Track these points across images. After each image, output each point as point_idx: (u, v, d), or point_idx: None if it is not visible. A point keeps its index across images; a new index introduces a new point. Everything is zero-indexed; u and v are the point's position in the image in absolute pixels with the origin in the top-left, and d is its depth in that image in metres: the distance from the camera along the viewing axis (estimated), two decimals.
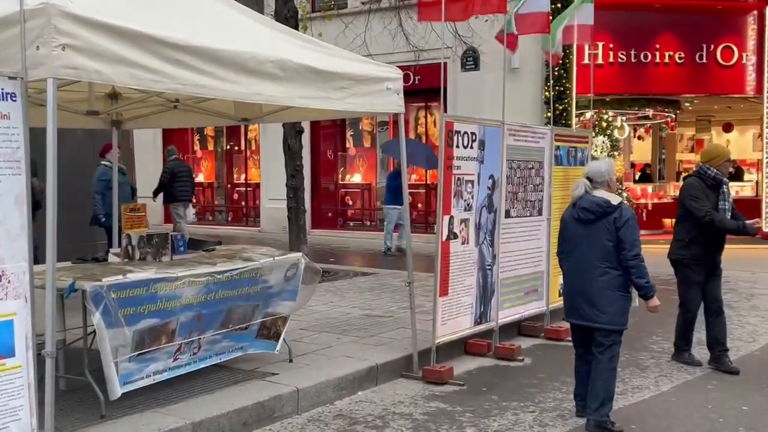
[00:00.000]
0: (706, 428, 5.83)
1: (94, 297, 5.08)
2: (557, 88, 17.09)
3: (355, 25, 16.37)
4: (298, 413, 6.05)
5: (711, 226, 7.20)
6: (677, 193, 7.87)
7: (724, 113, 24.85)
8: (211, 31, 5.34)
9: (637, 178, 22.18)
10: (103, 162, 10.86)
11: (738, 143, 26.79)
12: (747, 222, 7.29)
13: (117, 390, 5.27)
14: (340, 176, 21.17)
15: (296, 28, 11.45)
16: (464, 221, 7.30)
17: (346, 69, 6.28)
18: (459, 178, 7.15)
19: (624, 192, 17.33)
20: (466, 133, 7.19)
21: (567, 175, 8.89)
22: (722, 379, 7.07)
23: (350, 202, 21.12)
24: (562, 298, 6.55)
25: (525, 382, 7.00)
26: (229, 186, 23.49)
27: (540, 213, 8.65)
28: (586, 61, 17.43)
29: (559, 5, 16.63)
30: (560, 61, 11.47)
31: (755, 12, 18.70)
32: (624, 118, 19.29)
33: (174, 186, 14.30)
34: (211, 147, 24.06)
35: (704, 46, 18.47)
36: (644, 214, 19.04)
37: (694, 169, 7.86)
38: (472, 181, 7.34)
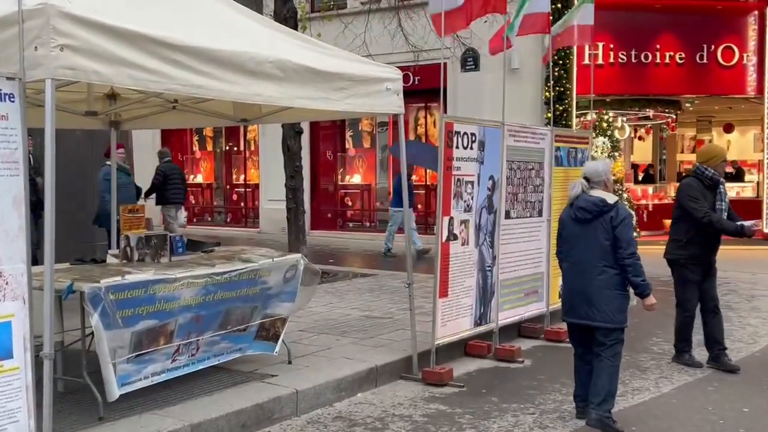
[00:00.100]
0: (706, 430, 5.81)
1: (93, 298, 5.06)
2: (557, 88, 17.08)
3: (354, 26, 16.35)
4: (297, 415, 6.04)
5: (709, 227, 7.24)
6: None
7: (725, 114, 24.84)
8: (210, 32, 5.33)
9: (640, 179, 22.15)
10: (107, 162, 10.85)
11: (739, 144, 26.80)
12: (745, 224, 7.29)
13: (115, 391, 5.25)
14: (339, 177, 21.15)
15: (295, 28, 11.44)
16: (464, 222, 7.28)
17: (346, 69, 6.26)
18: (459, 179, 7.13)
19: (624, 193, 17.31)
20: (465, 133, 7.17)
21: (567, 176, 8.87)
22: (723, 381, 7.05)
23: (350, 203, 21.11)
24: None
25: (525, 383, 6.99)
26: (228, 187, 23.47)
27: (540, 214, 8.64)
28: (586, 61, 17.42)
29: (559, 5, 16.64)
30: (550, 61, 11.47)
31: (756, 12, 18.69)
32: (624, 118, 19.28)
33: (166, 188, 14.24)
34: (210, 148, 24.05)
35: (705, 46, 18.46)
36: (645, 215, 19.04)
37: (691, 169, 7.88)
38: (472, 182, 7.33)
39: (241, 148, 23.13)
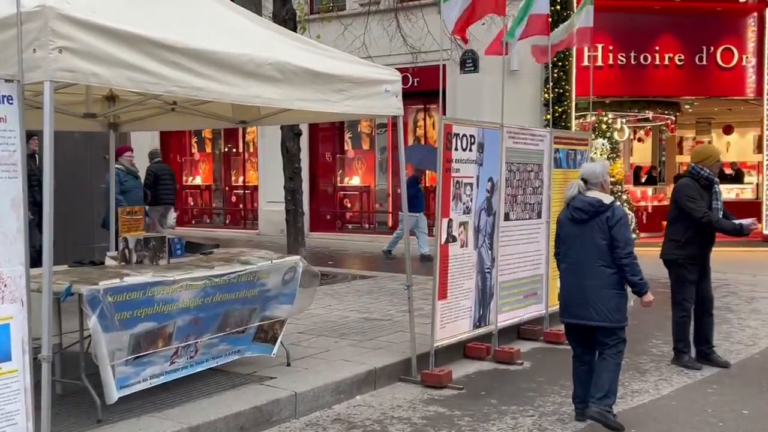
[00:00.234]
0: None
1: (91, 301, 5.05)
2: (556, 90, 17.09)
3: (354, 27, 16.35)
4: (296, 417, 6.03)
5: (708, 227, 7.34)
6: None
7: (724, 115, 24.85)
8: (209, 34, 5.32)
9: (643, 180, 22.15)
10: (116, 165, 10.84)
11: (738, 145, 26.82)
12: (744, 222, 7.35)
13: (114, 394, 5.24)
14: (338, 179, 21.14)
15: (294, 29, 11.42)
16: (463, 224, 7.28)
17: (345, 71, 6.26)
18: (458, 181, 7.13)
19: (624, 194, 17.31)
20: (465, 135, 7.17)
21: (566, 178, 8.85)
22: (722, 383, 7.05)
23: (349, 205, 21.10)
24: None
25: (524, 385, 6.98)
26: (226, 189, 23.46)
27: (539, 216, 8.63)
28: (585, 63, 17.44)
29: (558, 7, 16.64)
30: (549, 62, 11.45)
31: (755, 14, 18.70)
32: (624, 120, 19.29)
33: (157, 189, 14.21)
34: (208, 149, 24.04)
35: (704, 48, 18.47)
36: (644, 217, 19.03)
37: (685, 169, 7.93)
38: (471, 184, 7.32)
39: (240, 149, 23.12)
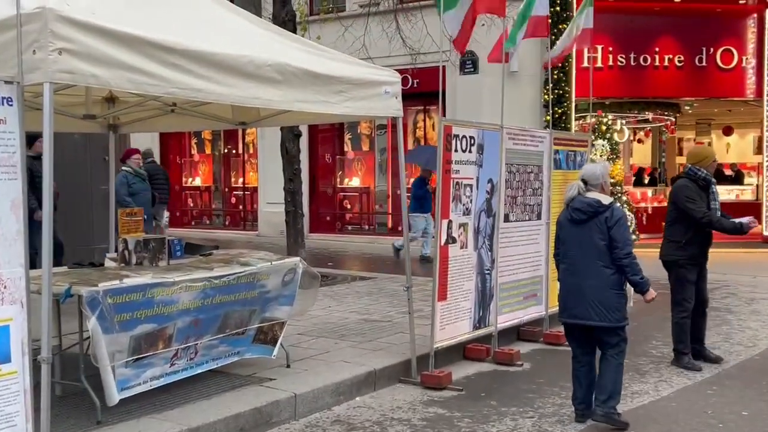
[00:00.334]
0: None
1: (91, 302, 5.05)
2: (556, 91, 17.08)
3: (354, 28, 16.35)
4: (295, 419, 6.03)
5: (709, 227, 7.41)
6: None
7: (724, 116, 24.86)
8: (209, 35, 5.32)
9: (647, 181, 22.15)
10: (124, 168, 10.84)
11: (738, 146, 26.84)
12: (743, 221, 7.42)
13: (115, 396, 5.24)
14: (338, 180, 21.14)
15: (294, 31, 11.42)
16: (463, 225, 7.27)
17: (344, 73, 6.26)
18: (458, 182, 7.12)
19: (623, 195, 17.31)
20: (464, 137, 7.17)
21: (566, 179, 8.85)
22: (722, 384, 7.05)
23: (348, 206, 21.10)
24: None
25: (524, 387, 6.98)
26: (226, 190, 23.46)
27: (539, 217, 8.63)
28: (585, 64, 17.43)
29: (557, 8, 16.64)
30: (560, 64, 11.40)
31: (755, 15, 18.71)
32: (624, 121, 19.29)
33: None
34: (208, 151, 24.04)
35: (704, 49, 18.46)
36: (644, 218, 19.03)
37: (682, 170, 7.99)
38: (470, 185, 7.32)
39: (240, 151, 23.12)
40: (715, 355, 7.81)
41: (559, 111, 17.10)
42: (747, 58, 18.63)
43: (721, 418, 6.11)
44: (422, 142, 19.57)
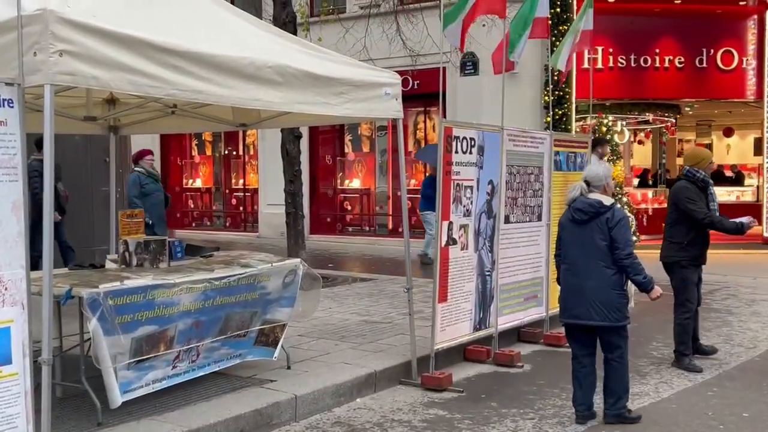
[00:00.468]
0: None
1: (91, 304, 5.06)
2: (556, 92, 17.09)
3: (355, 30, 16.35)
4: (296, 420, 6.03)
5: (711, 228, 7.47)
6: None
7: (725, 118, 24.85)
8: (209, 37, 5.33)
9: (650, 182, 22.15)
10: (137, 168, 10.84)
11: (739, 148, 26.83)
12: (744, 221, 7.46)
13: (117, 398, 5.25)
14: (338, 181, 21.13)
15: (295, 32, 11.43)
16: (463, 227, 7.28)
17: (345, 74, 6.27)
18: (458, 184, 7.12)
19: (624, 197, 17.31)
20: (465, 138, 7.17)
21: (566, 181, 8.85)
22: (723, 386, 7.04)
23: (349, 208, 21.09)
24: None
25: (524, 388, 6.98)
26: (227, 191, 23.44)
27: (539, 218, 8.63)
28: (585, 65, 17.40)
29: (558, 10, 16.64)
30: (566, 78, 11.42)
31: (755, 16, 18.70)
32: (624, 122, 19.28)
33: None
34: (209, 152, 24.03)
35: (704, 50, 18.45)
36: (644, 220, 19.03)
37: (680, 172, 8.04)
38: (471, 187, 7.32)
39: (240, 152, 23.11)
40: (710, 347, 7.99)
41: (560, 112, 17.10)
42: (747, 60, 18.63)
43: (721, 419, 6.11)
44: (423, 144, 19.55)
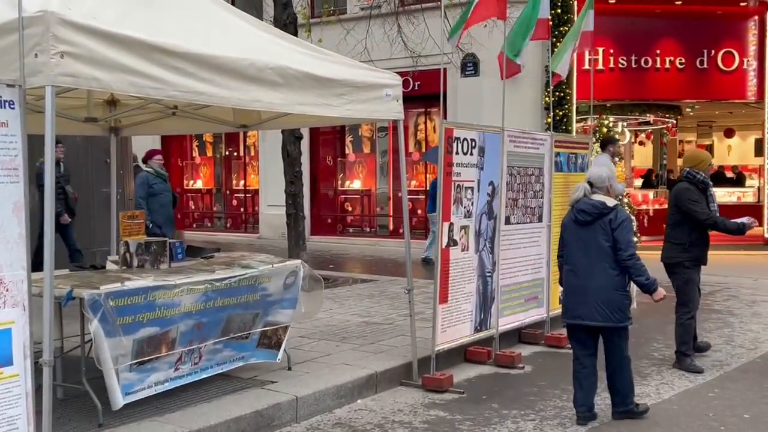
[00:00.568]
0: None
1: (92, 305, 5.06)
2: (557, 93, 17.07)
3: (356, 31, 16.36)
4: (296, 422, 6.03)
5: (713, 228, 7.51)
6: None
7: (725, 119, 24.85)
8: (210, 38, 5.33)
9: (654, 183, 22.15)
10: (145, 168, 10.83)
11: (739, 149, 26.83)
12: (745, 221, 7.49)
13: (119, 400, 5.25)
14: (339, 182, 21.14)
15: (295, 34, 11.43)
16: (464, 228, 7.28)
17: (345, 75, 6.27)
18: (459, 185, 7.13)
19: (625, 198, 17.30)
20: (465, 139, 7.17)
21: (567, 182, 8.87)
22: (724, 387, 7.04)
23: (350, 209, 21.10)
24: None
25: (525, 389, 6.98)
26: (227, 192, 23.45)
27: (540, 220, 8.63)
28: (586, 66, 17.40)
29: (559, 11, 16.65)
30: (561, 81, 11.40)
31: (756, 17, 18.69)
32: (625, 123, 19.28)
33: None
34: (209, 153, 24.04)
35: (705, 51, 18.45)
36: (645, 221, 19.02)
37: (680, 174, 8.07)
38: (471, 188, 7.32)
39: (241, 153, 23.12)
40: (705, 343, 8.13)
41: (560, 113, 17.10)
42: (748, 60, 18.63)
43: (722, 420, 6.11)
44: (423, 145, 19.56)
